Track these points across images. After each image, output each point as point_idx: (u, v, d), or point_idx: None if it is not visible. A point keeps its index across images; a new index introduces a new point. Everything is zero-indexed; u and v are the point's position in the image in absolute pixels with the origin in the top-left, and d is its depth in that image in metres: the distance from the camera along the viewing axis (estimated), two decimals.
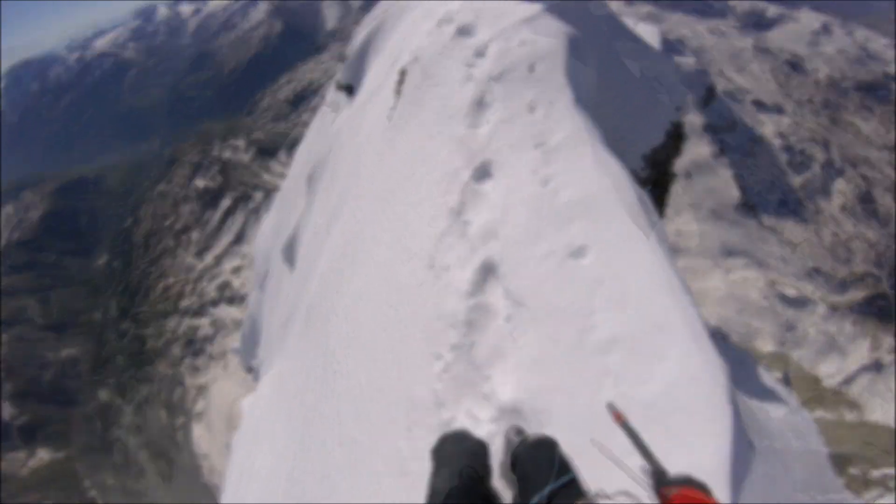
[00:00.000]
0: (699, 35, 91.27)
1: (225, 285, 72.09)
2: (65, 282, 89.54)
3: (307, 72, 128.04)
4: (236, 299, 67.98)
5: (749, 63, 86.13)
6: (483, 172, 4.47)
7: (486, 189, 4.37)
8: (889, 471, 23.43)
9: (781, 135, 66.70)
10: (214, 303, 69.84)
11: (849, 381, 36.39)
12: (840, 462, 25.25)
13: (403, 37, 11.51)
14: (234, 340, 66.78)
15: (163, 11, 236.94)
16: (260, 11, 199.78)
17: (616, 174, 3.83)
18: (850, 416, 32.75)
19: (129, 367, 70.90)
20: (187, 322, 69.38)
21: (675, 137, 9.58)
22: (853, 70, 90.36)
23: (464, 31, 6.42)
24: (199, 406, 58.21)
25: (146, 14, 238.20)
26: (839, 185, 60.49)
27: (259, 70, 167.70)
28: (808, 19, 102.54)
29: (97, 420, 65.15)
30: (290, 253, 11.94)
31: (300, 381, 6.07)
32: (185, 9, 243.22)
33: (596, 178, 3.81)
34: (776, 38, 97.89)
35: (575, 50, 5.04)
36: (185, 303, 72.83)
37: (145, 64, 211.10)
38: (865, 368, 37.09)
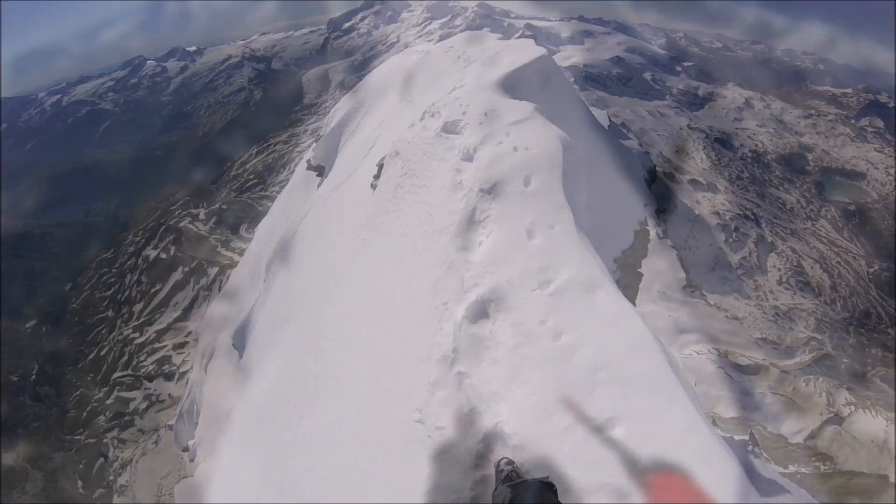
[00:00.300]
0: (641, 117, 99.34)
1: (164, 360, 66.96)
2: None
3: (279, 143, 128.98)
4: (175, 375, 65.01)
5: (685, 142, 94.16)
6: (479, 312, 3.61)
7: (484, 334, 3.49)
8: None
9: (717, 213, 71.31)
10: (150, 377, 64.87)
11: (814, 435, 36.53)
12: None
13: (382, 121, 11.30)
14: (168, 416, 61.98)
15: (150, 65, 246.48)
16: (243, 76, 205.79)
17: (636, 330, 3.09)
18: (823, 467, 32.70)
19: (43, 432, 63.74)
20: (118, 394, 64.24)
21: (643, 237, 9.33)
22: (773, 143, 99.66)
23: (450, 129, 5.83)
24: (123, 479, 52.54)
25: (134, 66, 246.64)
26: (772, 260, 64.22)
27: (232, 136, 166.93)
28: (734, 95, 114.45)
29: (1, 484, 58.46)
30: (240, 339, 11.27)
31: (250, 483, 5.81)
32: (173, 65, 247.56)
33: (617, 334, 3.05)
34: (707, 115, 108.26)
35: (568, 158, 4.48)
36: (117, 374, 67.97)
37: (120, 117, 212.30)
38: (828, 422, 37.43)
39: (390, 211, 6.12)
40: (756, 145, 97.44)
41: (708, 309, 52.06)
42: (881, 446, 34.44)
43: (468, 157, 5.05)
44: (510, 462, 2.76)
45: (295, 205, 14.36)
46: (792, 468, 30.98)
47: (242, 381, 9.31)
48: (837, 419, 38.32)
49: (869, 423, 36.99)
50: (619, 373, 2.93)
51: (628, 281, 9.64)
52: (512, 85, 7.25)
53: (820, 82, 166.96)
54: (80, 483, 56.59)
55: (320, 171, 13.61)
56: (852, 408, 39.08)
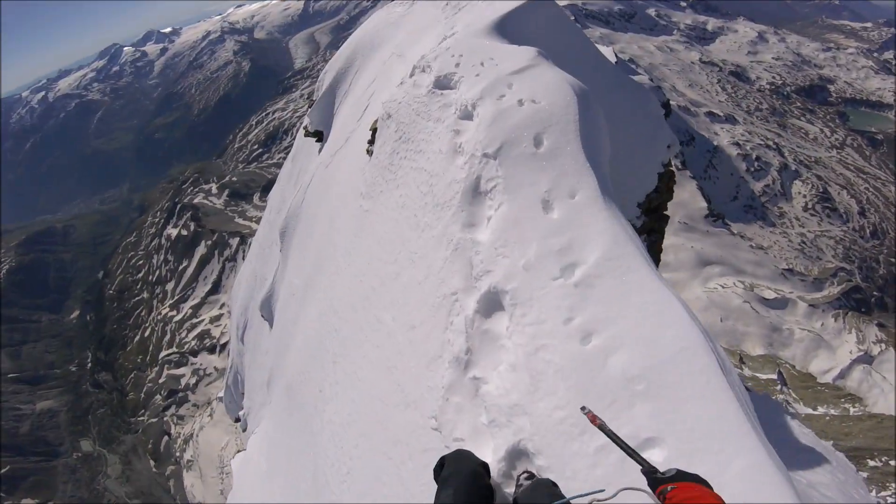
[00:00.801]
0: (650, 52, 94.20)
1: (205, 334, 70.46)
2: (36, 335, 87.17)
3: (277, 111, 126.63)
4: (217, 348, 66.74)
5: (698, 76, 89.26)
6: (492, 304, 3.00)
7: (499, 330, 2.90)
8: None
9: (737, 144, 68.19)
10: (195, 352, 68.23)
11: (843, 375, 36.05)
12: (858, 456, 24.36)
13: (374, 79, 10.20)
14: (217, 388, 65.03)
15: (128, 51, 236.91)
16: (227, 50, 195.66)
17: (682, 328, 2.46)
18: (853, 409, 31.76)
19: (110, 417, 69.58)
20: (168, 372, 67.34)
21: (668, 179, 8.43)
22: (791, 76, 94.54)
23: (443, 84, 5.02)
24: (188, 454, 56.35)
25: (111, 54, 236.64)
26: (797, 187, 61.74)
27: (228, 110, 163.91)
28: (745, 30, 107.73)
29: (82, 470, 63.87)
30: (267, 309, 11.09)
31: (290, 466, 5.89)
32: (151, 48, 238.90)
33: (658, 334, 2.44)
34: (719, 49, 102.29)
35: (585, 111, 3.71)
36: (163, 353, 70.67)
37: (111, 105, 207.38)
38: (857, 361, 36.65)
39: (388, 179, 5.45)
40: (774, 77, 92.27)
41: (732, 238, 50.87)
42: None
43: (467, 116, 4.30)
44: (530, 476, 2.52)
45: (300, 171, 13.67)
46: (821, 409, 30.29)
47: (276, 353, 9.22)
48: (867, 358, 37.16)
49: None
50: (661, 382, 2.37)
51: (656, 226, 8.95)
52: (508, 29, 6.35)
53: (836, 16, 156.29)
54: (152, 462, 60.17)
55: (319, 136, 12.54)
56: (883, 346, 37.96)
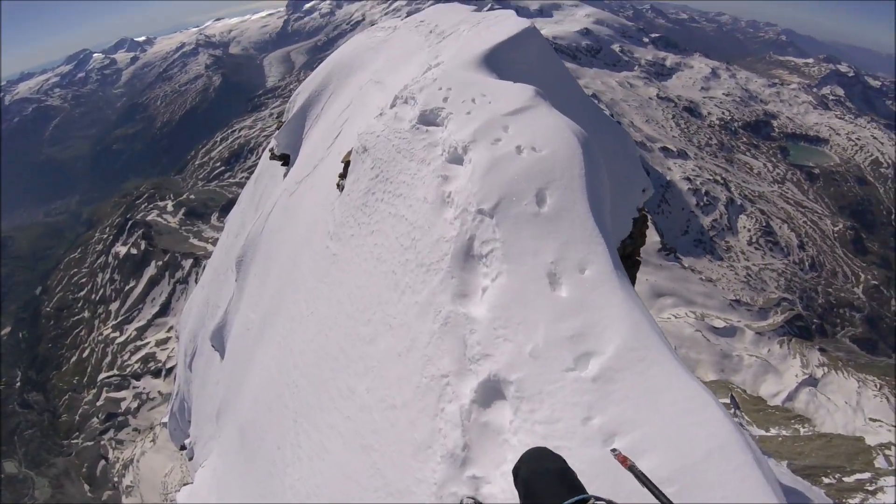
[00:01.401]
0: (612, 88, 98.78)
1: (149, 357, 66.25)
2: None
3: (244, 129, 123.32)
4: (163, 372, 63.24)
5: (654, 112, 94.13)
6: (493, 393, 2.49)
7: (501, 423, 2.38)
8: (862, 475, 23.87)
9: (688, 178, 71.78)
10: (137, 375, 64.11)
11: (791, 397, 38.03)
12: (812, 475, 25.17)
13: (348, 104, 9.70)
14: (161, 413, 61.22)
15: (97, 58, 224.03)
16: (199, 63, 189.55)
17: (716, 425, 2.12)
18: (803, 429, 33.48)
19: (39, 438, 64.45)
20: (107, 395, 63.15)
21: (641, 223, 8.29)
22: (739, 111, 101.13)
23: (429, 119, 4.57)
24: (128, 479, 53.07)
25: (79, 59, 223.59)
26: (742, 221, 65.36)
27: (193, 125, 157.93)
28: (700, 65, 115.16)
29: (5, 492, 58.97)
30: (219, 340, 10.37)
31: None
32: (122, 56, 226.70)
33: (691, 434, 2.13)
34: (675, 85, 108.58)
35: (591, 163, 3.36)
36: (103, 375, 65.98)
37: (70, 113, 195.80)
38: (803, 384, 38.85)
39: (361, 223, 4.87)
40: (723, 113, 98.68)
41: (683, 272, 53.14)
42: (854, 408, 35.53)
43: (456, 159, 3.85)
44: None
45: (263, 194, 12.91)
46: (773, 430, 31.51)
47: (227, 387, 8.58)
48: (812, 381, 39.45)
49: (842, 384, 38.12)
50: (695, 483, 2.09)
51: (629, 273, 8.72)
52: (497, 62, 5.95)
53: (782, 52, 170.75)
54: (86, 486, 55.92)
55: (285, 159, 11.93)
56: (825, 369, 40.33)
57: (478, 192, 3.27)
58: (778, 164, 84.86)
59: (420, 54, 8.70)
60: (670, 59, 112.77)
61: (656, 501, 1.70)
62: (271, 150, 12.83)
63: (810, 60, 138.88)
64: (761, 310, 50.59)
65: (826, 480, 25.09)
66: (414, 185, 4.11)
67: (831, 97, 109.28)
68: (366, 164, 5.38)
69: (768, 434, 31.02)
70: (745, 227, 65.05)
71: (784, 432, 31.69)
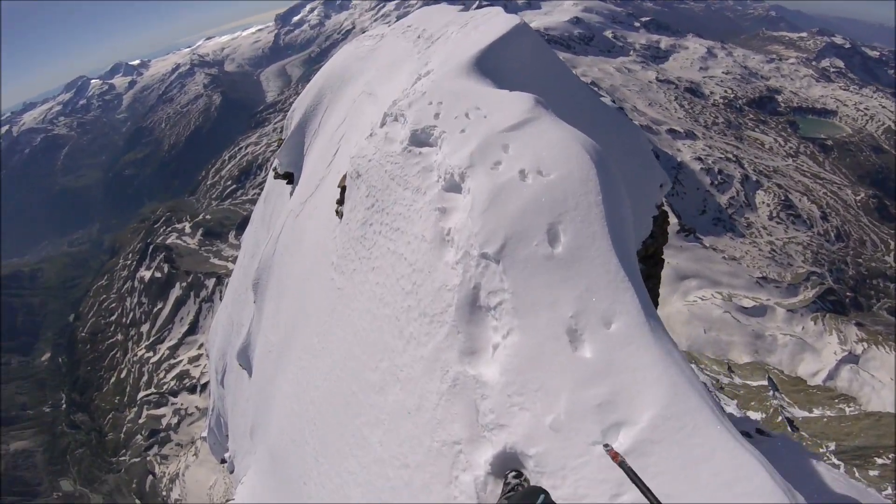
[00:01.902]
0: (610, 74, 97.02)
1: (184, 374, 68.36)
2: (6, 377, 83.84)
3: (250, 146, 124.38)
4: (198, 387, 65.02)
5: (656, 95, 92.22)
6: (510, 463, 2.23)
7: None
8: None
9: (699, 158, 70.13)
10: (174, 392, 66.28)
11: (832, 376, 36.42)
12: (864, 455, 24.06)
13: (343, 118, 9.40)
14: (200, 428, 62.74)
15: (95, 84, 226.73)
16: (197, 83, 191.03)
17: (768, 491, 1.79)
18: (849, 409, 32.13)
19: (90, 457, 67.03)
20: (147, 412, 65.59)
21: (661, 221, 7.80)
22: (742, 89, 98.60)
23: (420, 140, 4.20)
24: (176, 493, 54.64)
25: (77, 86, 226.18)
26: (760, 196, 63.54)
27: (200, 145, 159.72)
28: (695, 46, 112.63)
29: None
30: (245, 358, 10.50)
31: None
32: (119, 81, 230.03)
33: None
34: (673, 67, 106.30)
35: (608, 186, 2.96)
36: (142, 394, 68.54)
37: (78, 140, 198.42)
38: (843, 361, 37.08)
39: (362, 256, 4.60)
40: (726, 91, 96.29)
41: (705, 252, 51.60)
42: None
43: (453, 187, 3.51)
44: (519, 475, 2.30)
45: (273, 213, 12.88)
46: (817, 411, 30.24)
47: (256, 406, 8.59)
48: (853, 357, 37.45)
49: (884, 359, 36.13)
50: None
51: (653, 271, 8.30)
52: (489, 65, 5.51)
53: (775, 28, 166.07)
54: (137, 502, 57.96)
55: (289, 178, 11.84)
56: (865, 344, 38.30)
57: (479, 231, 2.91)
58: (789, 139, 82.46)
59: (409, 62, 8.39)
60: (664, 41, 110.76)
61: None
62: (274, 169, 12.71)
63: (804, 34, 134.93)
64: (790, 286, 48.80)
65: (879, 461, 23.89)
66: (411, 218, 3.78)
67: (832, 69, 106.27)
68: (361, 190, 5.09)
69: (812, 415, 29.73)
70: (763, 203, 63.24)
71: (829, 413, 30.49)
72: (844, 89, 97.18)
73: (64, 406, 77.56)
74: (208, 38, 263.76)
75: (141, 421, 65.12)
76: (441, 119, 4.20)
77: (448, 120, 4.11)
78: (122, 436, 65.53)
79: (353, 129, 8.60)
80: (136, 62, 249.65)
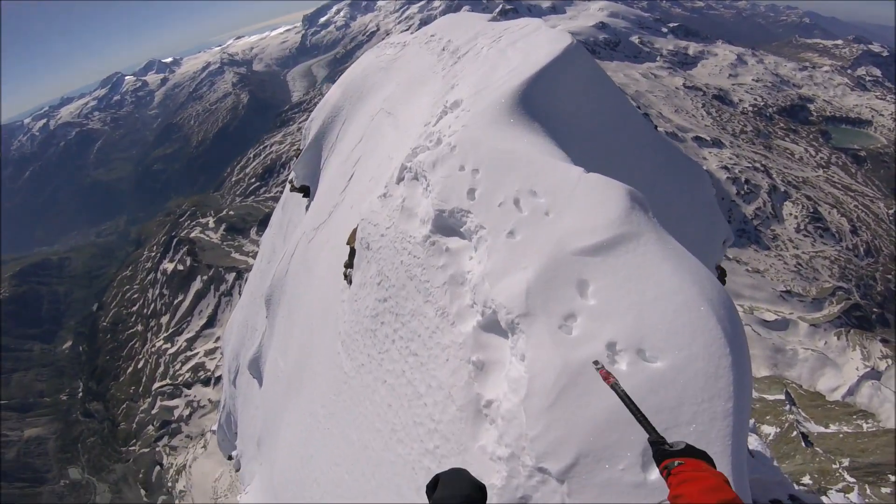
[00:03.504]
0: (635, 80, 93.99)
1: (199, 367, 68.35)
2: (27, 364, 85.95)
3: (274, 144, 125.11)
4: (212, 380, 65.02)
5: (683, 101, 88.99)
6: None
7: None
8: None
9: (725, 167, 67.21)
10: (189, 384, 66.29)
11: (852, 392, 35.28)
12: (877, 472, 23.04)
13: (360, 138, 8.68)
14: (211, 421, 63.53)
15: (129, 80, 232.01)
16: (226, 81, 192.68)
17: None
18: (867, 425, 31.11)
19: (100, 446, 67.88)
20: (161, 403, 65.65)
21: (720, 278, 6.62)
22: (772, 97, 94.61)
23: (448, 226, 3.11)
24: (181, 484, 54.86)
25: (112, 82, 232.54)
26: (788, 208, 60.57)
27: (226, 142, 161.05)
28: (725, 53, 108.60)
29: (69, 497, 62.53)
30: (256, 369, 10.36)
31: None
32: (153, 78, 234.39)
33: None
34: (701, 73, 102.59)
35: (741, 377, 1.75)
36: (157, 385, 68.80)
37: (111, 135, 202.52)
38: (865, 377, 35.78)
39: (371, 355, 3.62)
40: (755, 99, 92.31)
41: (728, 263, 49.42)
42: None
43: (494, 328, 2.37)
44: None
45: (290, 222, 12.44)
46: (833, 427, 29.13)
47: (264, 422, 8.48)
48: (875, 374, 36.27)
49: None
50: None
51: None
52: (538, 102, 4.32)
53: (808, 35, 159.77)
54: (143, 491, 58.67)
55: (305, 191, 11.28)
56: (889, 361, 36.87)
57: (538, 436, 1.82)
58: (820, 149, 78.76)
59: (433, 80, 7.30)
60: (692, 47, 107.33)
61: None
62: (290, 181, 12.13)
63: (839, 42, 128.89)
64: (815, 300, 46.62)
65: (893, 478, 22.73)
66: (433, 351, 2.70)
67: (868, 78, 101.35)
68: (370, 268, 4.13)
69: (828, 431, 28.70)
70: (791, 214, 60.37)
71: (846, 428, 29.47)
72: (881, 98, 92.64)
73: (80, 394, 79.19)
74: (238, 38, 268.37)
75: (154, 411, 65.90)
76: (478, 201, 3.09)
77: (488, 205, 2.99)
78: (135, 426, 66.48)
79: (370, 154, 7.84)
80: (169, 59, 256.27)
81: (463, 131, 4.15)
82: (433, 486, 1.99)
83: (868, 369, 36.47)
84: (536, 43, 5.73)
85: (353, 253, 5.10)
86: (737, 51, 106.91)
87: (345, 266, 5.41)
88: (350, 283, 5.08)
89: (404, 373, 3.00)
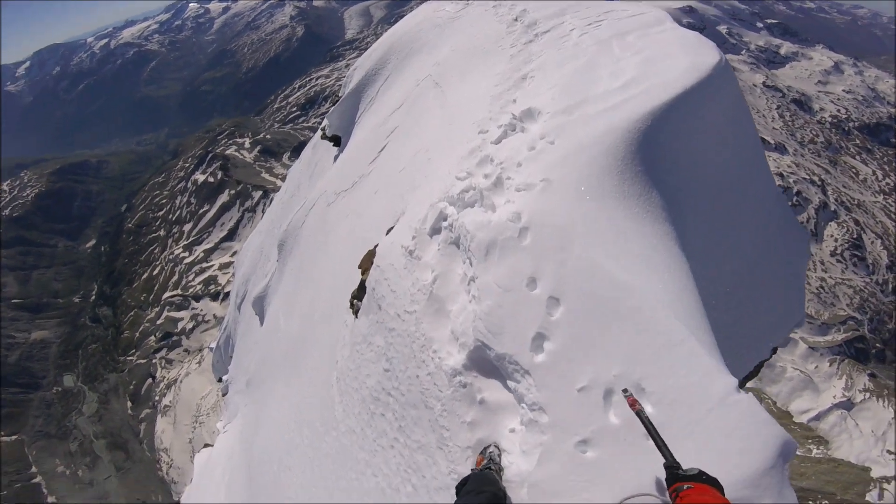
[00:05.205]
0: None
1: (211, 280, 72.89)
2: (49, 261, 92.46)
3: (321, 77, 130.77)
4: (220, 296, 68.95)
5: (757, 100, 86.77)
6: None
7: None
8: None
9: (781, 175, 66.65)
10: (198, 297, 70.72)
11: (820, 417, 37.75)
12: (802, 498, 25.56)
13: (401, 103, 8.31)
14: (212, 337, 66.18)
15: (193, 7, 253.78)
16: (285, 14, 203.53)
17: None
18: (816, 451, 34.63)
19: (100, 354, 71.52)
20: (167, 314, 70.16)
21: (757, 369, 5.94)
22: (859, 111, 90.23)
23: (486, 366, 2.88)
24: (167, 399, 58.45)
25: (177, 8, 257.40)
26: (831, 229, 60.15)
27: (276, 71, 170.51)
28: (821, 58, 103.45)
29: (57, 405, 65.70)
30: (259, 307, 10.46)
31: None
32: (215, 6, 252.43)
33: None
34: (787, 75, 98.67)
35: None
36: (167, 294, 73.82)
37: (166, 57, 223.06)
38: (837, 406, 38.24)
39: (365, 430, 3.63)
40: (839, 111, 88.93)
41: None
42: (878, 438, 35.33)
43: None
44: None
45: (319, 162, 12.67)
46: None
47: (258, 367, 8.62)
48: (848, 404, 39.14)
49: (878, 412, 37.64)
50: None
51: None
52: (665, 152, 3.56)
53: None
54: (129, 404, 61.80)
55: (336, 141, 11.29)
56: (867, 395, 39.50)
57: None
58: (889, 174, 76.02)
59: (496, 58, 6.29)
60: (785, 47, 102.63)
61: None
62: (323, 129, 12.25)
63: None
64: (823, 325, 47.67)
65: None
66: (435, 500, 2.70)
67: None
68: (378, 337, 3.68)
69: None
70: (831, 236, 60.05)
71: (797, 451, 31.92)
72: None
73: (93, 297, 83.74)
74: None
75: (159, 322, 68.46)
76: (547, 364, 2.50)
77: (562, 382, 2.42)
78: (137, 335, 69.15)
79: (407, 132, 7.21)
80: None
81: (543, 200, 3.19)
82: (463, 484, 2.29)
83: (844, 399, 38.54)
84: (664, 48, 4.53)
85: (363, 287, 4.45)
86: (836, 58, 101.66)
87: (352, 296, 4.70)
88: (356, 314, 4.46)
89: (399, 490, 2.94)
